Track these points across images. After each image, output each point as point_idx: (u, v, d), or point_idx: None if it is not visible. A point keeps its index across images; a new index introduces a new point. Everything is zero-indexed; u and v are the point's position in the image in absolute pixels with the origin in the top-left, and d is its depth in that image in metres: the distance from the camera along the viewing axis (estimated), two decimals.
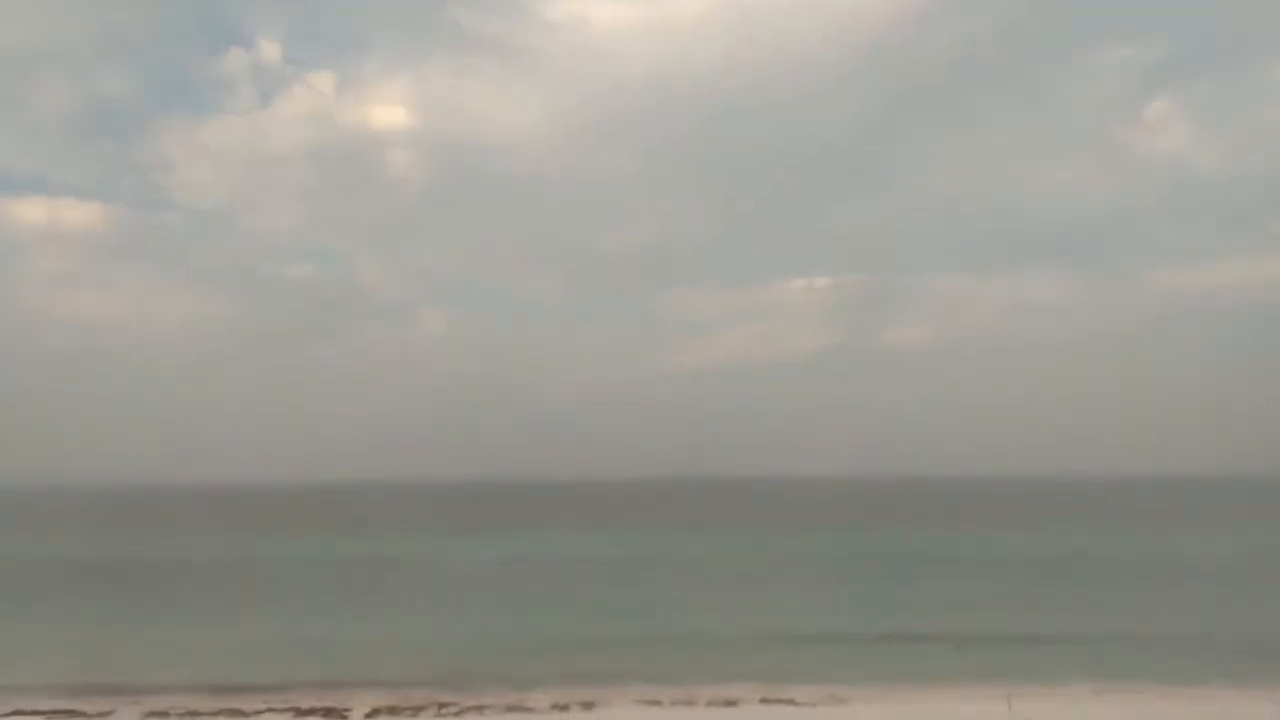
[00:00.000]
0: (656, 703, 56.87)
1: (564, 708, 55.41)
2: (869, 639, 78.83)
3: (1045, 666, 64.39)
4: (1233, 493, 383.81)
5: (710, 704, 56.36)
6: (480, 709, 55.55)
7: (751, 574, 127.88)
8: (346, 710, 55.17)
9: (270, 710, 55.47)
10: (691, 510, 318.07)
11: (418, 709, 55.88)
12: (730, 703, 56.62)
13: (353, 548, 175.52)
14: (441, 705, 56.53)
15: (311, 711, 55.12)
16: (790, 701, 57.12)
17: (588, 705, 56.04)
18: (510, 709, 55.45)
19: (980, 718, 50.38)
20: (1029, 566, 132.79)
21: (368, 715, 54.31)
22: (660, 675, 64.05)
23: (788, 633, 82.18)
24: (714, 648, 74.50)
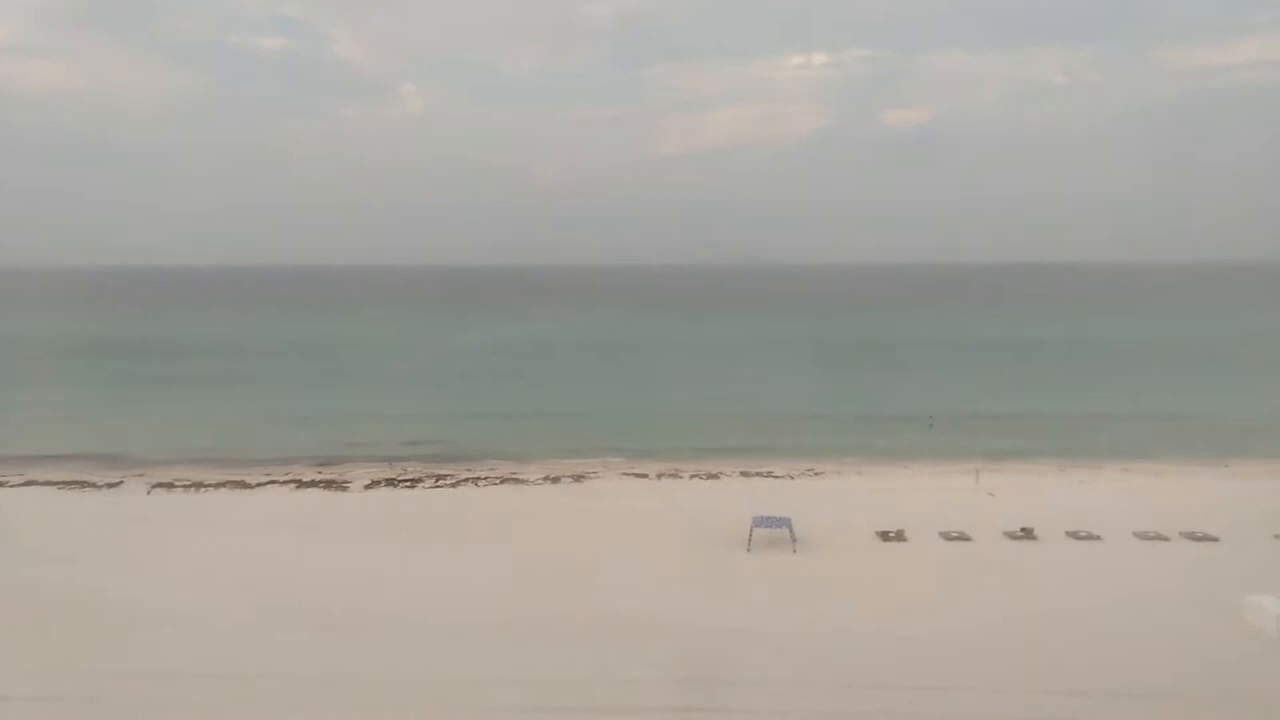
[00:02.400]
0: (643, 475, 59.64)
1: (555, 479, 58.09)
2: (848, 418, 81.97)
3: (1013, 444, 67.46)
4: (1241, 279, 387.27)
5: (694, 477, 59.16)
6: (476, 480, 58.24)
7: (739, 357, 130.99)
8: (346, 482, 57.78)
9: (273, 482, 58.06)
10: (682, 296, 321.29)
11: (414, 481, 58.53)
12: (713, 476, 59.45)
13: (342, 329, 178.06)
14: (438, 477, 59.20)
15: (312, 483, 57.70)
16: (769, 475, 60.08)
17: (578, 477, 58.74)
18: (504, 480, 58.16)
19: (949, 491, 53.25)
20: (1012, 350, 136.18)
21: (367, 487, 56.85)
22: (647, 451, 66.99)
23: (770, 412, 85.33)
24: (698, 425, 77.47)
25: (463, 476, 59.39)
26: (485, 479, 58.76)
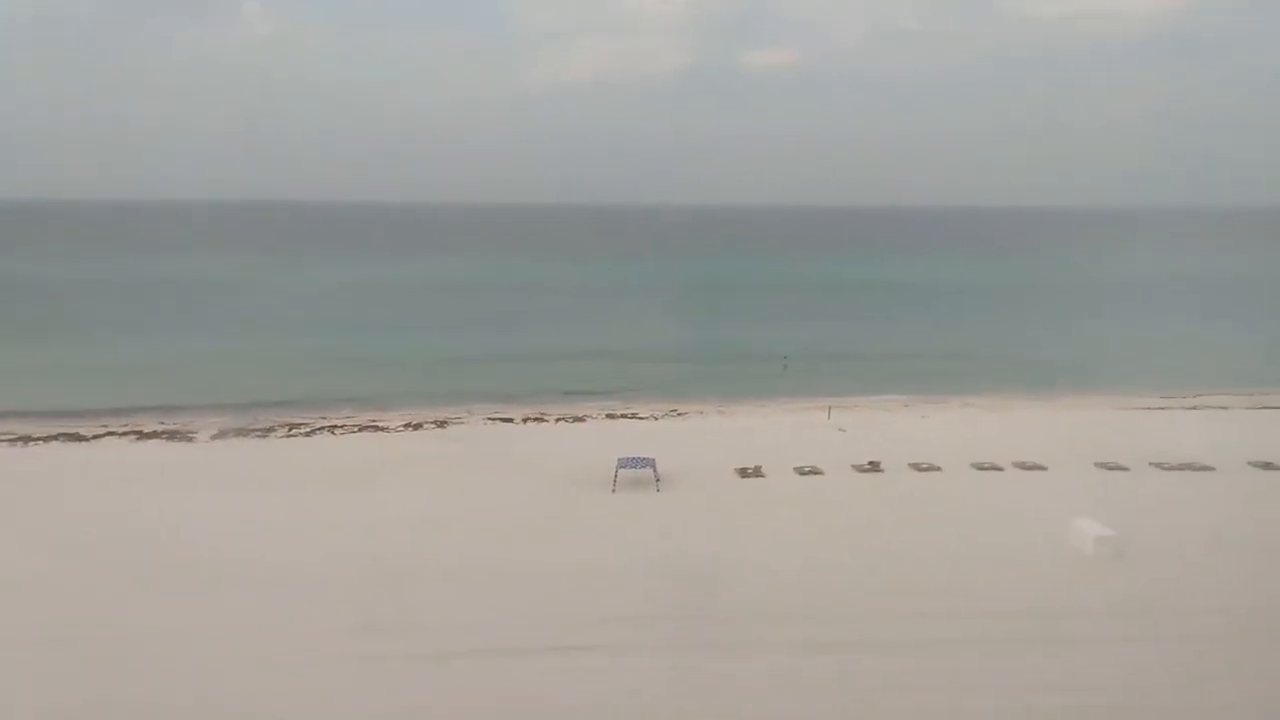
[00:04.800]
0: (508, 419, 59.33)
1: (417, 426, 56.94)
2: (709, 360, 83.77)
3: (862, 381, 70.63)
4: (1081, 224, 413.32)
5: (560, 420, 59.30)
6: (332, 429, 56.38)
7: (601, 300, 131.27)
8: (191, 433, 54.76)
9: (110, 434, 54.51)
10: (544, 237, 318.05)
11: (266, 430, 56.04)
12: (578, 419, 59.76)
13: (187, 268, 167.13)
14: (291, 426, 56.95)
15: (154, 434, 54.49)
16: (634, 416, 60.91)
17: (441, 423, 57.79)
18: (363, 428, 56.58)
19: (803, 427, 55.46)
20: (865, 291, 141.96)
21: (214, 437, 54.04)
22: (512, 395, 66.54)
23: (633, 353, 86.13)
24: (563, 367, 77.47)
25: (318, 425, 57.41)
26: (342, 427, 56.97)
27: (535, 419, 59.64)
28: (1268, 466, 45.37)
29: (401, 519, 37.99)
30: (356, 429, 56.56)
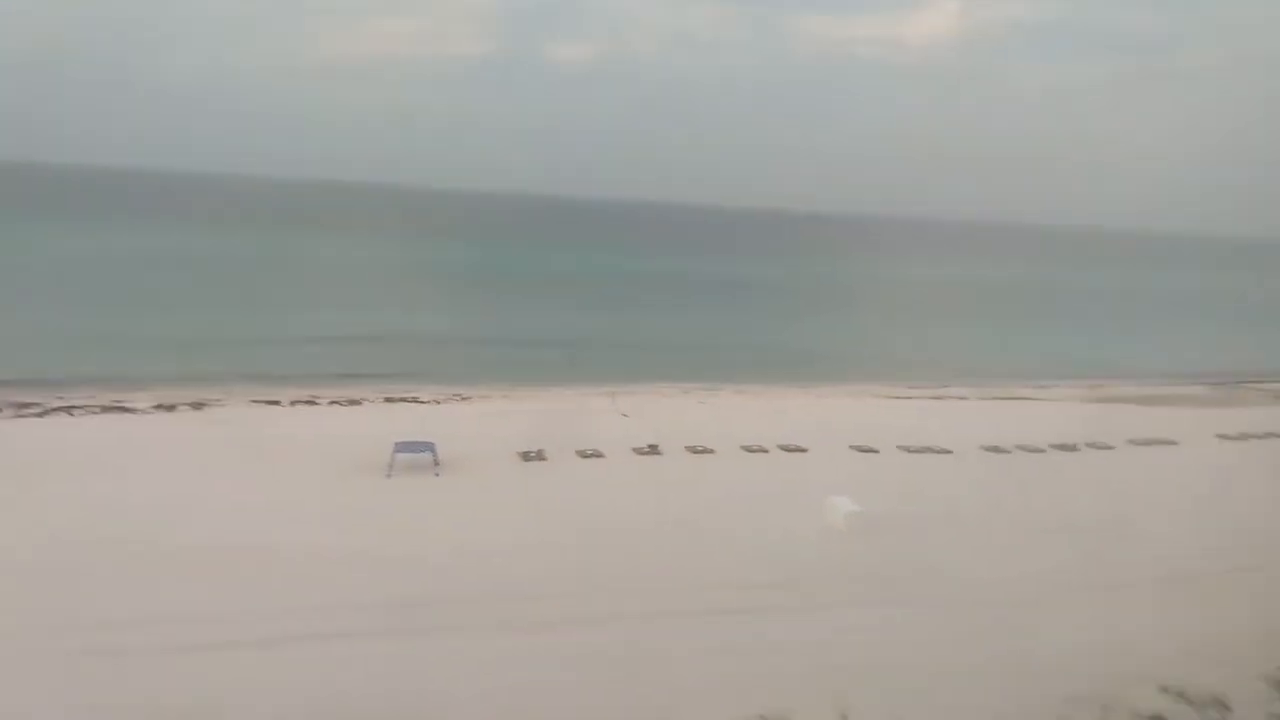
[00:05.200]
0: (275, 402, 55.76)
1: (170, 408, 52.30)
2: (496, 344, 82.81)
3: (643, 369, 72.37)
4: (860, 229, 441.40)
5: (334, 403, 56.48)
6: (69, 409, 50.70)
7: (377, 279, 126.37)
8: None
9: None
10: (317, 214, 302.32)
11: None
12: (354, 402, 57.19)
13: None
14: (20, 406, 50.73)
15: None
16: (415, 400, 59.12)
17: (198, 405, 53.39)
18: (107, 409, 51.31)
19: (587, 412, 56.05)
20: (649, 282, 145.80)
21: None
22: (280, 376, 62.59)
23: (414, 336, 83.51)
24: (337, 350, 73.86)
25: (53, 405, 51.45)
26: (82, 408, 51.34)
27: (306, 402, 56.45)
28: (996, 450, 50.81)
29: (146, 504, 34.80)
30: (99, 409, 51.16)
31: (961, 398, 69.44)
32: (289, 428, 49.45)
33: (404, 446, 42.11)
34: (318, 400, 56.98)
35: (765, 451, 47.84)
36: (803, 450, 48.33)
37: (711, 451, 47.12)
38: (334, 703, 22.34)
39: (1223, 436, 57.69)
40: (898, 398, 68.10)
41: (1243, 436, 57.92)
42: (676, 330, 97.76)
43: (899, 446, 50.01)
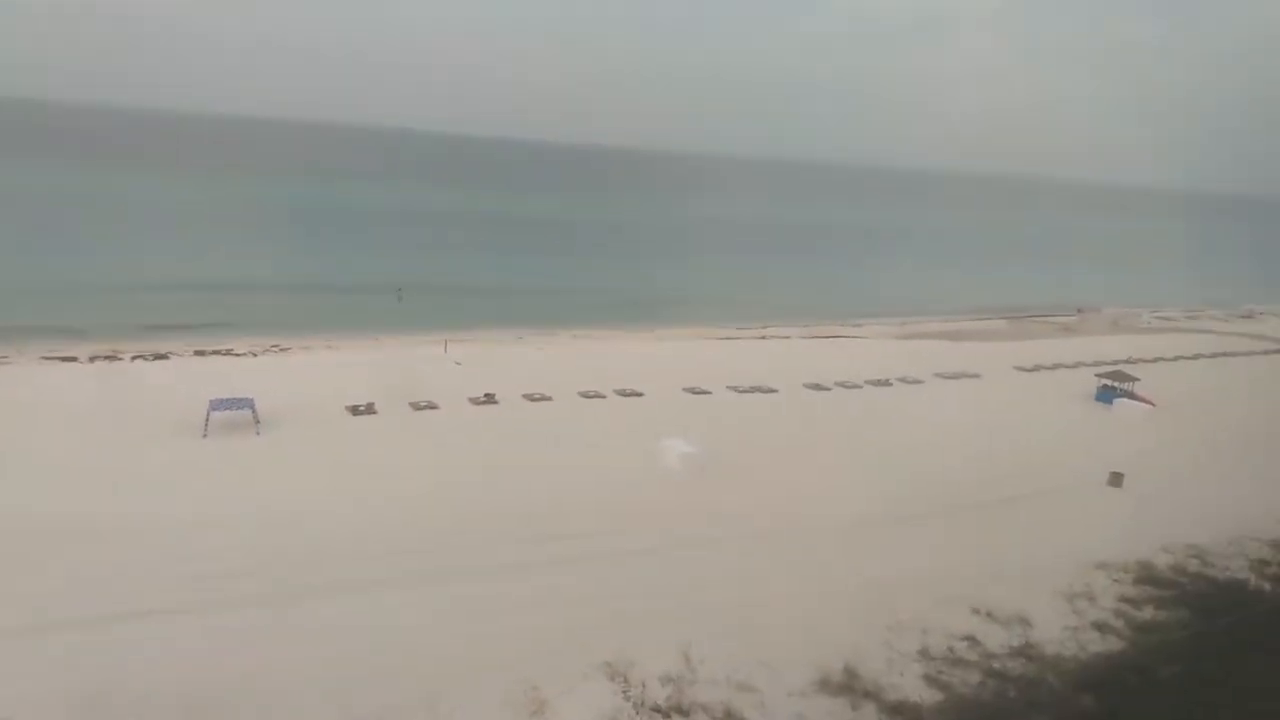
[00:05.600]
0: (72, 359, 50.93)
1: None
2: (314, 290, 78.76)
3: (475, 315, 71.04)
4: (711, 169, 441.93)
5: (138, 358, 52.20)
6: None
7: (181, 221, 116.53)
8: None
9: None
10: (121, 149, 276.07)
11: None
12: (161, 356, 53.08)
13: None
14: None
15: None
16: (229, 353, 55.51)
17: None
18: None
19: (419, 361, 54.39)
20: (477, 223, 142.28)
21: None
22: (76, 330, 57.34)
23: (225, 284, 77.76)
24: (141, 299, 68.31)
25: None
26: None
27: (107, 357, 51.90)
28: (818, 387, 53.39)
29: None
30: None
31: (785, 337, 72.35)
32: (90, 386, 45.31)
33: (220, 404, 39.59)
34: (120, 355, 52.55)
35: (603, 397, 48.21)
36: (639, 395, 49.04)
37: (549, 399, 47.02)
38: (109, 695, 20.04)
39: (1019, 368, 63.14)
40: (727, 338, 70.18)
41: (1035, 368, 63.62)
42: (507, 274, 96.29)
43: (729, 387, 51.65)
